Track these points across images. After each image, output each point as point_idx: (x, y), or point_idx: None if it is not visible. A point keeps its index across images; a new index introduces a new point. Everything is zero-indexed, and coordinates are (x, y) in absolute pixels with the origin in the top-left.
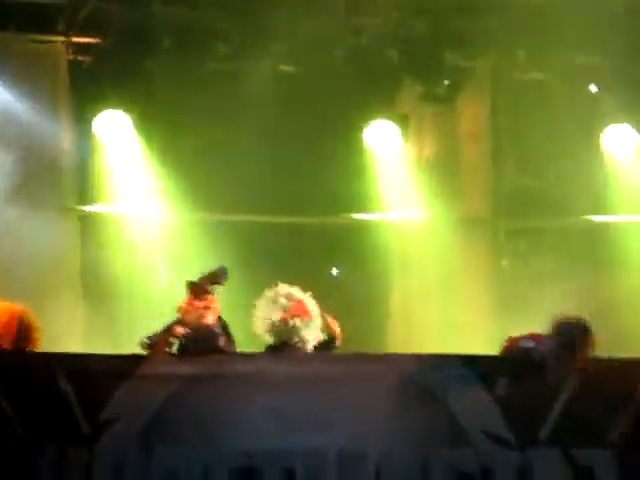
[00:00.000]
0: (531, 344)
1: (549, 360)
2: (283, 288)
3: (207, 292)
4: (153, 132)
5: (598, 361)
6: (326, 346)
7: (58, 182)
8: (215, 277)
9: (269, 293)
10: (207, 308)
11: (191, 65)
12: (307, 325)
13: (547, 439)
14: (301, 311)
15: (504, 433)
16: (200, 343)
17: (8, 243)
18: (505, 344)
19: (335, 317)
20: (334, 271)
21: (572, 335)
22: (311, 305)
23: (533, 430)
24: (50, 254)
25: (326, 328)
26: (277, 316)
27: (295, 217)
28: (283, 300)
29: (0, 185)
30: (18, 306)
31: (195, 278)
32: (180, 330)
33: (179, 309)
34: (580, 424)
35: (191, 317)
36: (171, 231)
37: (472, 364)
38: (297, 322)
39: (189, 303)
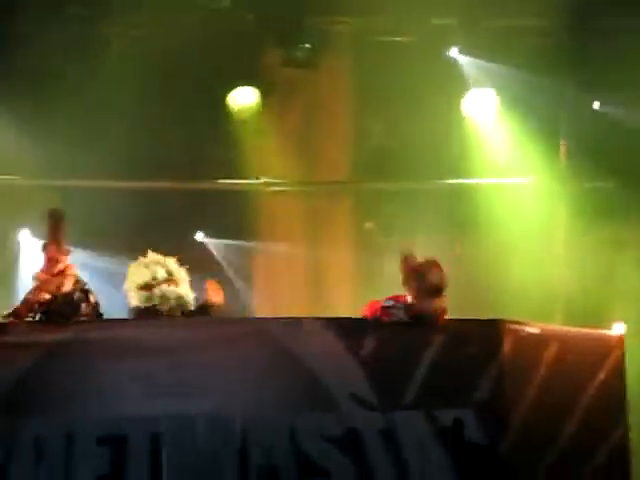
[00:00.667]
0: (391, 303)
1: (407, 311)
2: (153, 255)
3: (61, 253)
4: (16, 99)
5: (460, 322)
6: (201, 312)
7: None
8: (56, 219)
9: (142, 259)
10: (63, 274)
11: (52, 29)
12: (174, 292)
13: (411, 401)
14: (171, 278)
15: (368, 396)
16: (61, 311)
17: None
18: (367, 307)
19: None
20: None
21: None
22: (180, 272)
23: (397, 392)
24: None
25: (204, 295)
26: (146, 280)
27: (154, 182)
28: (154, 266)
29: None
30: None
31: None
32: (39, 298)
33: (36, 277)
34: (444, 386)
35: (49, 286)
36: (32, 198)
37: (337, 327)
38: (164, 288)
39: (45, 270)
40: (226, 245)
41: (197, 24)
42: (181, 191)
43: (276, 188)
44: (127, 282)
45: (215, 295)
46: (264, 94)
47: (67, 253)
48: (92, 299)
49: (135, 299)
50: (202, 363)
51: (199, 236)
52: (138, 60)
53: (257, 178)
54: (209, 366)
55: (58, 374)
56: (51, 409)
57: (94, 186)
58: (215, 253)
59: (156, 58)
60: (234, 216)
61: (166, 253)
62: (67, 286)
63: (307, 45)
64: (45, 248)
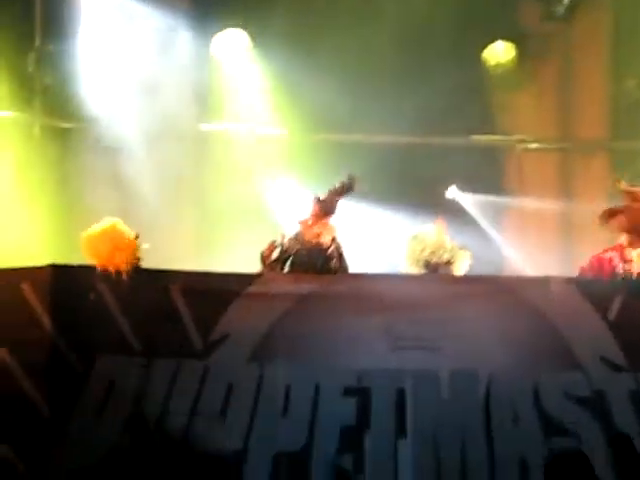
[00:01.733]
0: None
1: None
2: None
3: (331, 211)
4: (271, 51)
5: None
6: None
7: (178, 102)
8: (344, 189)
9: (425, 237)
10: (325, 227)
11: None
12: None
13: None
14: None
15: (617, 358)
16: (314, 261)
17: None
18: (589, 263)
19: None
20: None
21: None
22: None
23: None
24: (169, 174)
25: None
26: (429, 261)
27: (411, 136)
28: (439, 251)
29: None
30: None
31: (322, 194)
32: (293, 246)
33: (301, 223)
34: None
35: (308, 234)
36: (289, 151)
37: (585, 287)
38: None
39: (312, 219)
40: (479, 201)
41: None
42: (436, 146)
43: (531, 145)
44: (409, 257)
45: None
46: (521, 49)
47: (332, 214)
48: (344, 262)
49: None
50: (447, 319)
51: (452, 191)
52: (397, 16)
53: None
54: (454, 322)
55: (305, 325)
56: (299, 359)
57: (365, 141)
58: (468, 208)
59: (415, 13)
60: (488, 172)
61: (421, 207)
62: (325, 239)
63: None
64: (316, 202)
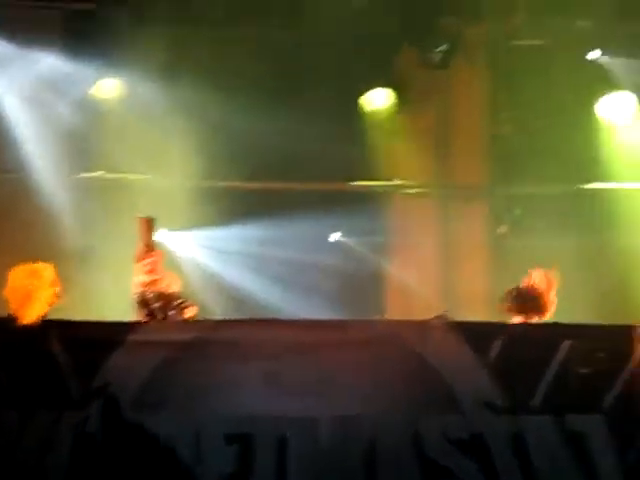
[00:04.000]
0: None
1: None
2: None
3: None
4: (145, 98)
5: (590, 327)
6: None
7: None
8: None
9: None
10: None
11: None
12: None
13: (540, 405)
14: None
15: (496, 399)
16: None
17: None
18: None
19: None
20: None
21: None
22: None
23: (525, 396)
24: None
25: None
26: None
27: (286, 183)
28: None
29: None
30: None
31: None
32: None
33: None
34: (573, 390)
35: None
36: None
37: (464, 330)
38: None
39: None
40: (359, 246)
41: (333, 24)
42: (315, 192)
43: (410, 190)
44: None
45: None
46: (399, 95)
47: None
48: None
49: None
50: (329, 364)
51: (335, 236)
52: (272, 59)
53: (390, 180)
54: (335, 368)
55: (187, 372)
56: (179, 407)
57: (225, 186)
58: (349, 254)
59: (291, 57)
60: (367, 218)
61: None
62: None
63: (442, 47)
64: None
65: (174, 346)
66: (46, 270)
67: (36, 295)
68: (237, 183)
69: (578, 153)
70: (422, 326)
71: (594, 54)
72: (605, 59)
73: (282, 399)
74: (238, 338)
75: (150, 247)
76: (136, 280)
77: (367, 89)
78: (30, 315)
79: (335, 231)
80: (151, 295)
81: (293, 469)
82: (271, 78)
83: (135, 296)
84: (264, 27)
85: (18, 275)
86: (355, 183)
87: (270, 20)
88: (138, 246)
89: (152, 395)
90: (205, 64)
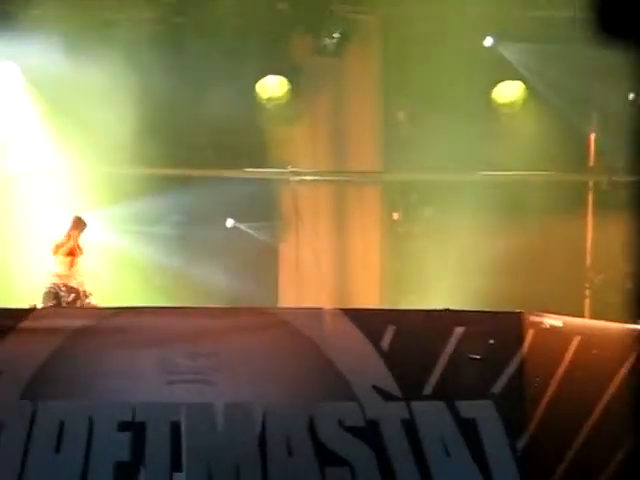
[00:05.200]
0: None
1: None
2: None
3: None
4: (43, 83)
5: (482, 313)
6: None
7: None
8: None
9: None
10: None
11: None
12: None
13: (432, 391)
14: None
15: (389, 386)
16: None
17: None
18: None
19: None
20: (229, 223)
21: None
22: None
23: (417, 383)
24: None
25: None
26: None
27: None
28: None
29: None
30: None
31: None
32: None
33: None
34: (464, 376)
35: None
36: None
37: (357, 317)
38: None
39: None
40: (254, 232)
41: (229, 10)
42: (211, 179)
43: (304, 177)
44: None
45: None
46: (292, 83)
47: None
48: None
49: None
50: (221, 352)
51: (229, 222)
52: (169, 45)
53: (285, 167)
54: (229, 355)
55: (79, 360)
56: (73, 394)
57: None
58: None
59: (187, 42)
60: (262, 204)
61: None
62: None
63: (336, 34)
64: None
65: (66, 333)
66: None
67: None
68: (143, 169)
69: (471, 141)
70: (315, 313)
71: (488, 41)
72: (499, 46)
73: (175, 386)
74: (130, 326)
75: (77, 245)
76: (51, 271)
77: (261, 76)
78: None
79: (231, 217)
80: (64, 288)
81: (187, 454)
82: (162, 65)
83: (47, 287)
84: (158, 10)
85: None
86: (250, 170)
87: (159, 4)
88: (63, 241)
89: (45, 382)
90: (97, 48)
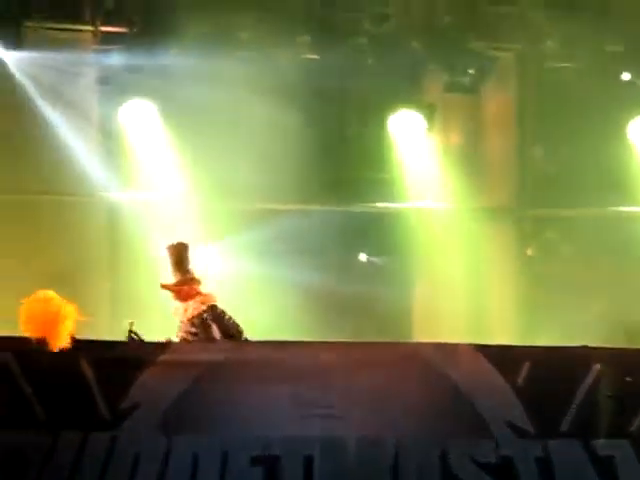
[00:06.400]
0: None
1: None
2: None
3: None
4: (178, 120)
5: (618, 350)
6: None
7: (87, 170)
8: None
9: None
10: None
11: (213, 55)
12: None
13: (567, 429)
14: None
15: (524, 424)
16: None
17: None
18: None
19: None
20: (362, 257)
21: None
22: None
23: (553, 420)
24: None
25: None
26: None
27: (323, 205)
28: None
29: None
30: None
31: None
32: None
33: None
34: (600, 414)
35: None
36: (198, 218)
37: (492, 353)
38: None
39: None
40: (387, 265)
41: (362, 48)
42: (344, 213)
43: (438, 211)
44: None
45: None
46: (427, 118)
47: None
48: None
49: None
50: (354, 386)
51: (362, 257)
52: (299, 81)
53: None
54: (362, 389)
55: (214, 393)
56: (207, 428)
57: (261, 208)
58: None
59: (319, 81)
60: (395, 239)
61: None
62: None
63: (471, 70)
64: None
65: (203, 367)
66: (52, 295)
67: (58, 318)
68: (274, 205)
69: (609, 175)
70: (450, 348)
71: (625, 76)
72: (637, 80)
73: (308, 420)
74: (262, 360)
75: (188, 272)
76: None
77: (395, 111)
78: (60, 339)
79: (364, 251)
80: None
81: None
82: (300, 102)
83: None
84: (288, 49)
85: (32, 306)
86: (383, 204)
87: (293, 42)
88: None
89: (180, 416)
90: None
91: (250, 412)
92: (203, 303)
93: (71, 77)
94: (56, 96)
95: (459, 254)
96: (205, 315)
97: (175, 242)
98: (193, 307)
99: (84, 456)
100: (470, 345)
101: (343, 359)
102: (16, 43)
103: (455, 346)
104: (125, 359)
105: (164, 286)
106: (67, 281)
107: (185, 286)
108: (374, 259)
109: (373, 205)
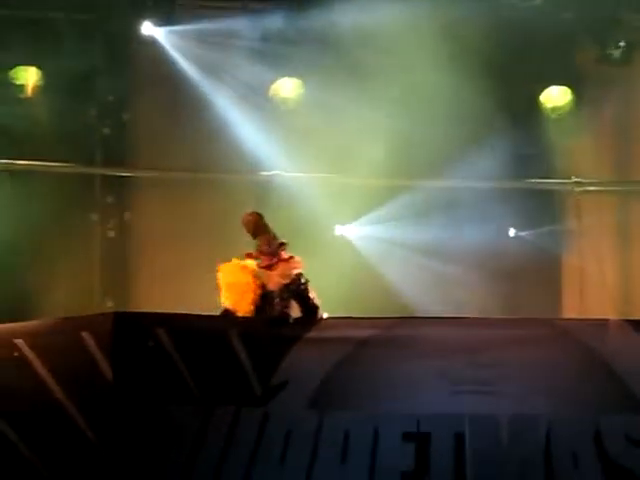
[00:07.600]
0: None
1: None
2: None
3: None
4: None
5: None
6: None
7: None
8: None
9: None
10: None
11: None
12: None
13: None
14: None
15: None
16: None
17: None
18: None
19: None
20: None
21: None
22: None
23: None
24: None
25: None
26: None
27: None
28: None
29: None
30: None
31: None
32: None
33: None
34: None
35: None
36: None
37: None
38: None
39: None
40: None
41: (511, 23)
42: (493, 189)
43: (589, 188)
44: None
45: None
46: (577, 92)
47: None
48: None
49: None
50: (505, 363)
51: (511, 232)
52: (450, 58)
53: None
54: (512, 366)
55: (364, 370)
56: (358, 405)
57: (402, 184)
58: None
59: (470, 57)
60: (545, 215)
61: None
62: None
63: (622, 42)
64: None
65: (351, 343)
66: (251, 265)
67: (249, 288)
68: (414, 181)
69: None
70: (600, 324)
71: None
72: None
73: (458, 397)
74: (412, 336)
75: (273, 238)
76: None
77: (545, 87)
78: (246, 307)
79: (513, 227)
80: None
81: (471, 465)
82: (450, 77)
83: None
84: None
85: (231, 270)
86: (532, 180)
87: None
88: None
89: (330, 392)
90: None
91: (401, 389)
92: (286, 274)
93: (225, 50)
94: (213, 70)
95: (609, 229)
96: (290, 287)
97: (249, 212)
98: (278, 277)
99: (237, 431)
100: (620, 320)
101: (492, 335)
102: (170, 20)
103: (605, 322)
104: (274, 336)
105: (248, 255)
106: None
107: (268, 255)
108: (523, 233)
109: (528, 181)
